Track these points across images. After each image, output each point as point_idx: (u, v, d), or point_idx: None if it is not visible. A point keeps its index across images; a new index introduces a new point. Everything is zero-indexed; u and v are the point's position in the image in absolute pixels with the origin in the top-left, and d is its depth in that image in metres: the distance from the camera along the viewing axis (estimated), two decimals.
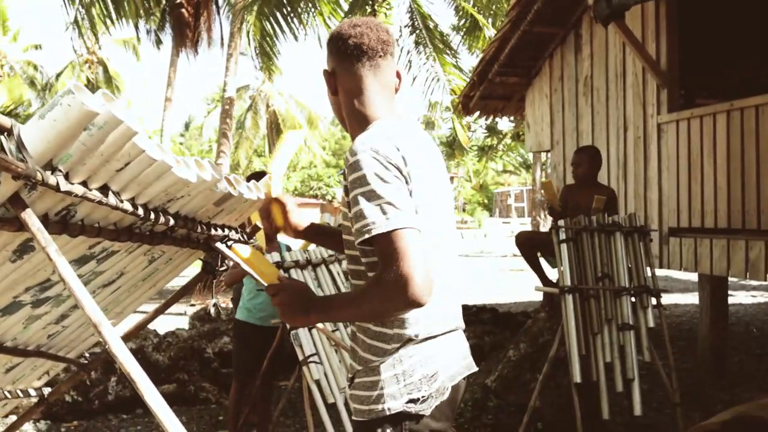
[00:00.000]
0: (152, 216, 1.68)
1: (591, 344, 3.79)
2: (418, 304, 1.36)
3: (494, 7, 13.19)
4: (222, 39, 17.04)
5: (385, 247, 1.38)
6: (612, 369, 3.75)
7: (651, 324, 3.90)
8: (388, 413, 1.50)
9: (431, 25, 12.68)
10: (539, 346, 4.61)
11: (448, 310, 1.60)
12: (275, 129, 31.20)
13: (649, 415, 4.41)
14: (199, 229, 2.05)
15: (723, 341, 5.50)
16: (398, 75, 1.70)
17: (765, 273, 4.38)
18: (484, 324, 7.17)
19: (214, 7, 17.19)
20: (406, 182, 1.46)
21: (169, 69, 19.50)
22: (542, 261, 5.01)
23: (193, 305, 10.53)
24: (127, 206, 1.54)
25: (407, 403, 1.50)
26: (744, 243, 4.53)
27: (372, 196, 1.41)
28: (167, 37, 17.44)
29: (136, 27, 16.36)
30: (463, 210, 44.74)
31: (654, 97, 5.56)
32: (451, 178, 45.01)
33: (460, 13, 13.06)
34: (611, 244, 4.00)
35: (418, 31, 12.75)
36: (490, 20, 13.37)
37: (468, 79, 9.03)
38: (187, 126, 53.44)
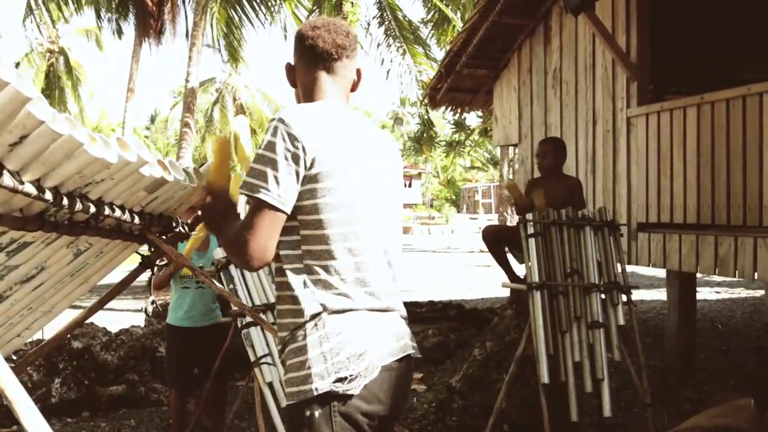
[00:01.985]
0: (65, 201, 1.46)
1: (559, 343, 3.66)
2: (248, 266, 1.53)
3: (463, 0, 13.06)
4: (187, 29, 16.61)
5: (250, 209, 1.53)
6: (581, 369, 3.62)
7: (621, 321, 3.78)
8: (315, 393, 1.50)
9: (400, 15, 12.51)
10: (506, 345, 4.47)
11: (372, 289, 1.62)
12: None
13: (617, 414, 4.30)
14: (129, 219, 1.84)
15: (691, 338, 5.43)
16: (358, 73, 1.78)
17: (734, 269, 4.30)
18: (450, 320, 7.04)
19: None
20: (304, 156, 1.52)
21: (131, 60, 18.88)
22: (509, 256, 4.86)
23: (153, 302, 10.18)
24: (30, 189, 1.32)
25: (335, 382, 1.50)
26: (713, 239, 4.44)
27: (262, 160, 1.52)
28: (130, 27, 16.93)
29: (98, 15, 15.89)
30: (431, 206, 44.70)
31: (623, 90, 5.45)
32: (419, 174, 44.98)
33: (428, 5, 12.90)
34: (581, 239, 3.87)
35: (387, 23, 12.57)
36: (458, 14, 13.25)
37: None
38: (152, 119, 52.49)
